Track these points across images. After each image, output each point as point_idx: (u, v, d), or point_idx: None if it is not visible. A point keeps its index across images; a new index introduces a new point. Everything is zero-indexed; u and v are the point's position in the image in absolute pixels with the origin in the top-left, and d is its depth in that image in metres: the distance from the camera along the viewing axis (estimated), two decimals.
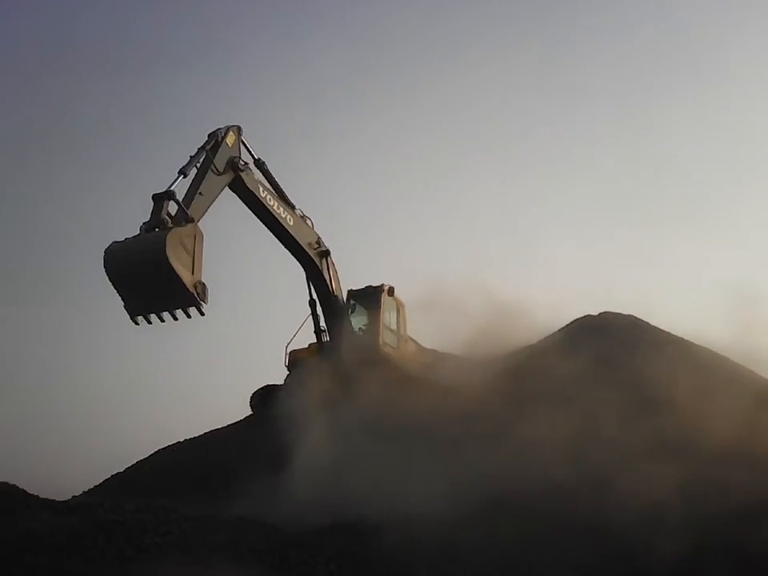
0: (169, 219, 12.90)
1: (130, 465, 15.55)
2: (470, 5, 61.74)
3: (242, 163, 15.06)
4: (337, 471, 12.97)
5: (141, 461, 15.70)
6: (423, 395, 16.53)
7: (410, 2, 62.30)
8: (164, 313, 12.59)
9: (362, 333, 20.38)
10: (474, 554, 9.46)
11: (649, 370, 16.21)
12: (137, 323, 12.60)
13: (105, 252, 12.53)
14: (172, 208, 13.11)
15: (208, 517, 10.00)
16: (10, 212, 48.87)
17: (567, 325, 23.59)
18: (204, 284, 12.68)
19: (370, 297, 20.57)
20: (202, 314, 12.55)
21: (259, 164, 16.06)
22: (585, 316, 24.06)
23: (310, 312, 19.20)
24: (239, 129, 15.41)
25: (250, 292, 47.76)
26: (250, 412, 18.57)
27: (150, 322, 12.61)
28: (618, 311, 23.35)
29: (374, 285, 20.80)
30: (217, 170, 14.27)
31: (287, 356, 19.70)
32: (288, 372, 19.78)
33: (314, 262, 18.05)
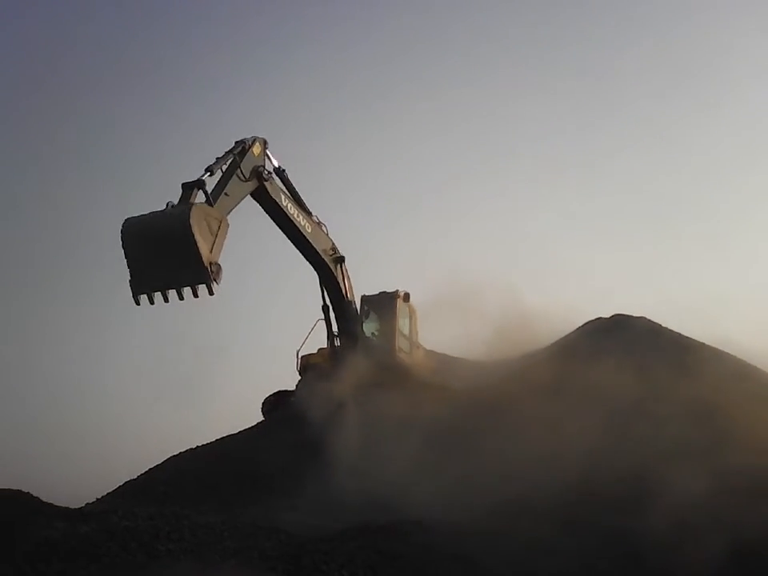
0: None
1: (142, 472, 15.50)
2: (483, 8, 61.64)
3: (267, 173, 15.49)
4: (362, 474, 12.95)
5: (153, 468, 15.65)
6: (440, 400, 16.55)
7: (420, 6, 62.30)
8: (170, 292, 12.50)
9: (375, 338, 20.52)
10: (493, 559, 9.37)
11: (662, 372, 16.13)
12: (138, 303, 12.57)
13: (123, 223, 12.64)
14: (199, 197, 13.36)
15: (220, 523, 9.96)
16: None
17: (579, 327, 23.58)
18: (219, 266, 12.69)
19: (384, 302, 20.89)
20: (211, 293, 12.52)
21: (279, 172, 16.43)
22: (597, 318, 24.05)
23: (323, 317, 19.26)
24: (265, 141, 15.87)
25: (259, 297, 47.91)
26: (261, 418, 18.57)
27: (152, 302, 12.58)
28: (631, 313, 23.33)
29: (388, 291, 20.98)
30: (243, 176, 14.65)
31: (299, 361, 19.73)
32: (300, 377, 19.81)
33: (329, 268, 18.21)
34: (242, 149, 14.93)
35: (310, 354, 20.25)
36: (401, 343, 20.54)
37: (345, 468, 13.53)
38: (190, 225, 12.24)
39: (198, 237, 12.32)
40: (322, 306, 19.23)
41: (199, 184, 13.48)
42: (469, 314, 21.96)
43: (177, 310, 13.09)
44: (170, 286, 12.50)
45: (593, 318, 23.23)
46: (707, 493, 10.61)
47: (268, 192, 15.61)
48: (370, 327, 21.12)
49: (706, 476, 10.99)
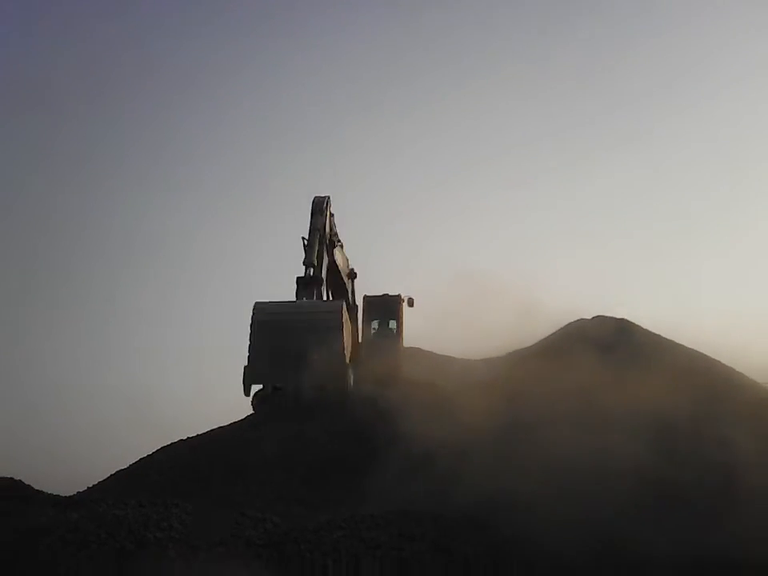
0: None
1: (133, 462, 15.38)
2: (481, 11, 61.69)
3: (337, 241, 16.59)
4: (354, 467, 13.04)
5: (144, 458, 15.51)
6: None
7: (419, 9, 62.25)
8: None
9: (375, 339, 20.65)
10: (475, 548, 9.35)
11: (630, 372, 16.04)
12: (248, 393, 12.40)
13: (255, 306, 12.63)
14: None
15: (209, 512, 9.95)
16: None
17: (561, 328, 23.61)
18: (353, 367, 12.92)
19: (387, 306, 21.13)
20: (346, 394, 12.27)
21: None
22: (578, 320, 24.09)
23: None
24: (329, 199, 16.44)
25: (250, 289, 47.70)
26: (251, 411, 18.53)
27: (266, 396, 12.30)
28: (611, 315, 23.35)
29: (391, 294, 21.18)
30: (329, 251, 15.63)
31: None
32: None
33: (345, 287, 19.01)
34: (320, 220, 15.55)
35: None
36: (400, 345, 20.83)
37: (335, 459, 13.59)
38: (342, 325, 12.50)
39: (345, 338, 12.67)
40: None
41: (317, 281, 13.88)
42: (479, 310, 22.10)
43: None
44: (300, 385, 12.38)
45: (575, 319, 23.35)
46: None
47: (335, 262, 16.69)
48: (372, 328, 21.28)
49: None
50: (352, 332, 19.97)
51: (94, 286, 48.26)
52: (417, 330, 22.90)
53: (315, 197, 16.09)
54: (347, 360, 12.20)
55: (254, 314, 12.55)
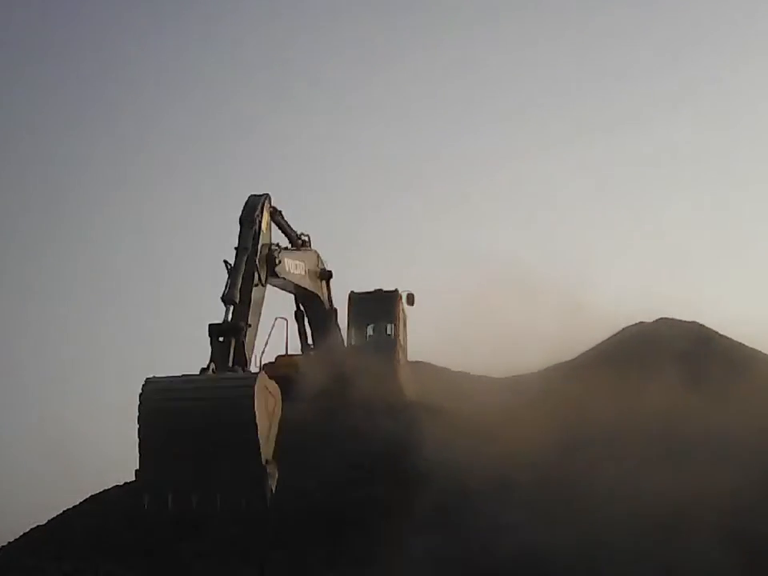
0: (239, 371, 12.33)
1: (54, 515, 15.23)
2: None
3: (277, 251, 15.40)
4: None
5: (68, 510, 15.40)
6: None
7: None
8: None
9: (364, 348, 20.61)
10: None
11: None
12: (146, 505, 11.07)
13: (145, 390, 11.28)
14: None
15: None
16: None
17: (615, 334, 23.55)
18: (275, 464, 11.43)
19: (382, 305, 21.19)
20: (265, 506, 11.06)
21: (272, 215, 16.13)
22: (637, 324, 24.02)
23: (297, 326, 19.84)
24: (269, 199, 15.54)
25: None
26: None
27: (168, 507, 10.78)
28: (678, 317, 23.31)
29: (385, 289, 21.01)
30: (262, 280, 14.54)
31: (260, 371, 19.64)
32: None
33: (312, 294, 18.91)
34: (253, 237, 14.45)
35: (272, 364, 20.18)
36: (400, 356, 20.75)
37: None
38: (254, 416, 10.99)
39: (260, 430, 11.08)
40: (295, 313, 19.73)
41: (236, 331, 12.63)
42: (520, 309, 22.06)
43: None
44: (205, 495, 10.95)
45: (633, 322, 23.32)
46: None
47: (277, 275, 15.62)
48: (359, 333, 21.19)
49: None
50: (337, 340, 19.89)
51: None
52: (423, 338, 22.80)
53: (249, 197, 15.20)
54: (266, 456, 11.27)
55: (141, 397, 11.40)
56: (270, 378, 19.43)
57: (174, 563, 12.25)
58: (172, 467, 10.92)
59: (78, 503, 15.75)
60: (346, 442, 17.30)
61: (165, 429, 11.00)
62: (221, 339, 12.62)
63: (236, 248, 14.24)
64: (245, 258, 14.04)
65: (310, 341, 20.13)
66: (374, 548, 12.62)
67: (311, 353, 20.01)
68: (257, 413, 10.95)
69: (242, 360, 12.73)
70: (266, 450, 11.27)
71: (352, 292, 21.27)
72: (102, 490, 16.24)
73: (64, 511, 15.38)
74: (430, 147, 65.34)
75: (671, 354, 19.61)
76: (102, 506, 15.09)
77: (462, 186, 60.40)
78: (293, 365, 19.73)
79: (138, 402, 11.15)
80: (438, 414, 18.83)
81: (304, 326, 19.87)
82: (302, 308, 19.60)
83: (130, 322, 51.47)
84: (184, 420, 11.02)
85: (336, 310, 20.11)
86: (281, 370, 19.89)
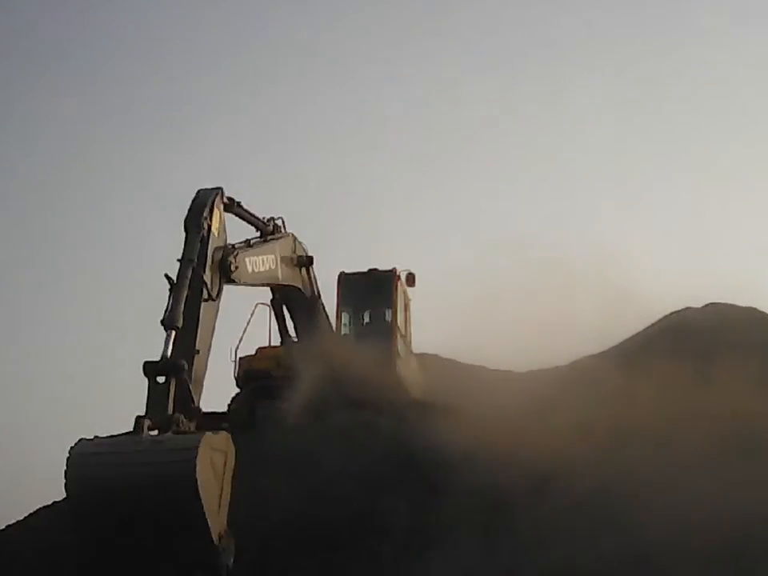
0: (181, 420, 12.09)
1: None
2: None
3: (234, 254, 14.86)
4: None
5: (13, 524, 15.90)
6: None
7: None
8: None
9: (356, 338, 20.76)
10: None
11: None
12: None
13: (71, 455, 11.25)
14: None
15: None
16: None
17: (656, 323, 23.73)
18: (229, 534, 11.59)
19: (377, 286, 21.28)
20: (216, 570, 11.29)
21: (230, 206, 15.88)
22: (684, 309, 24.20)
23: (273, 313, 19.96)
24: (221, 195, 15.00)
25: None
26: None
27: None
28: (731, 302, 23.50)
29: (381, 269, 21.10)
30: (211, 297, 14.04)
31: (237, 365, 19.88)
32: (240, 389, 20.00)
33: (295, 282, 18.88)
34: (203, 250, 13.98)
35: (251, 357, 20.42)
36: (398, 346, 20.82)
37: None
38: (198, 496, 10.95)
39: (206, 503, 11.09)
40: (271, 301, 19.86)
41: (176, 371, 12.26)
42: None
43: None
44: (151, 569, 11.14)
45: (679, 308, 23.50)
46: None
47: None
48: (351, 321, 21.33)
49: None
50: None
51: None
52: (430, 327, 23.08)
53: (198, 192, 14.74)
54: (219, 531, 11.51)
55: (68, 462, 11.20)
56: (247, 371, 20.06)
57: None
58: (116, 542, 11.12)
59: (23, 517, 16.12)
60: (335, 447, 17.55)
61: (95, 503, 11.12)
62: (159, 379, 12.35)
63: (179, 260, 13.74)
64: (189, 272, 13.56)
65: (292, 331, 20.36)
66: (371, 574, 12.94)
67: (294, 344, 20.22)
68: (202, 491, 10.93)
69: (186, 404, 12.49)
70: (218, 525, 11.40)
71: (342, 273, 21.42)
72: (52, 502, 16.43)
73: (8, 525, 15.83)
74: (438, 105, 67.03)
75: (723, 344, 19.79)
76: (54, 520, 15.37)
77: (477, 154, 61.62)
78: (274, 358, 19.99)
79: (65, 467, 11.22)
80: (450, 413, 19.12)
81: (283, 315, 20.07)
82: (278, 296, 19.74)
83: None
84: (116, 495, 11.02)
85: (320, 296, 20.17)
86: (261, 363, 20.19)
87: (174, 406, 12.17)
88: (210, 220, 14.29)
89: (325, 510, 15.16)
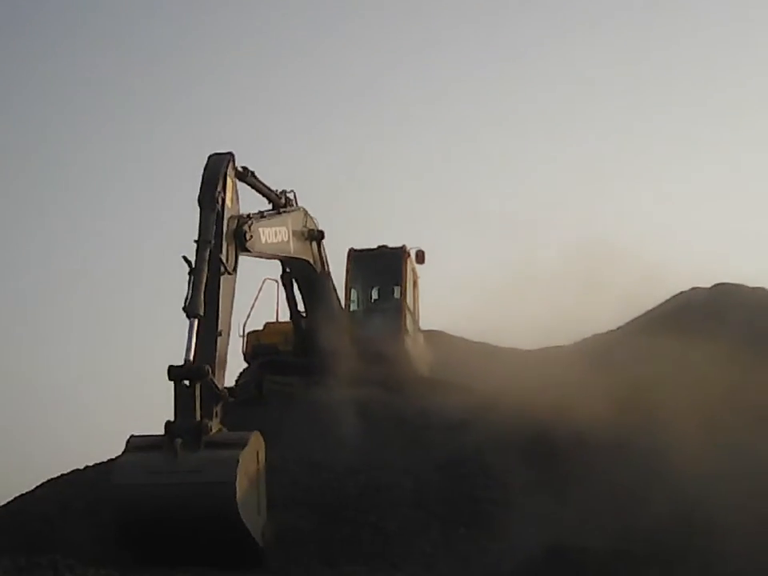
0: (209, 425, 12.50)
1: (5, 502, 15.65)
2: None
3: (249, 223, 14.77)
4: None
5: (22, 495, 15.78)
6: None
7: None
8: None
9: (365, 314, 20.90)
10: None
11: None
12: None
13: (116, 479, 12.22)
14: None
15: None
16: None
17: (663, 303, 23.72)
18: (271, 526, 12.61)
19: (386, 263, 21.31)
20: (260, 563, 12.31)
21: (243, 175, 15.93)
22: (692, 290, 24.17)
23: (285, 291, 20.00)
24: (232, 161, 14.72)
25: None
26: None
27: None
28: (740, 282, 23.45)
29: (391, 245, 21.26)
30: (228, 269, 13.98)
31: (245, 339, 20.00)
32: (248, 363, 20.13)
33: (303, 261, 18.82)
34: (219, 229, 13.85)
35: (259, 332, 20.55)
36: (407, 323, 21.00)
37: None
38: (239, 516, 11.81)
39: (248, 521, 11.97)
40: (281, 276, 19.91)
41: (200, 375, 12.57)
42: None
43: None
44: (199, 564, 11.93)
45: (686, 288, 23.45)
46: None
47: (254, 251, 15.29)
48: (360, 297, 21.50)
49: None
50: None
51: None
52: (438, 305, 23.16)
53: (209, 160, 14.41)
54: (259, 532, 12.26)
55: (113, 491, 12.26)
56: (255, 347, 20.19)
57: (149, 560, 12.55)
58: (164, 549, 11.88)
59: (32, 488, 16.14)
60: (342, 422, 17.65)
61: (140, 527, 11.91)
62: (185, 382, 12.65)
63: (196, 241, 13.61)
64: (207, 255, 13.47)
65: (301, 307, 20.41)
66: (376, 548, 13.01)
67: (302, 320, 20.36)
68: (243, 513, 11.76)
69: (211, 407, 12.86)
70: (260, 525, 12.32)
71: (351, 249, 21.57)
72: (59, 474, 16.67)
73: (17, 497, 15.77)
74: (448, 73, 67.37)
75: (731, 324, 19.81)
76: (62, 491, 15.45)
77: (488, 131, 61.90)
78: (282, 333, 20.12)
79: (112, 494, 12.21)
80: (460, 390, 19.25)
81: (292, 290, 20.07)
82: (288, 270, 19.75)
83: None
84: (160, 521, 11.73)
85: (329, 273, 20.22)
86: (269, 338, 20.36)
87: (200, 410, 12.51)
88: (224, 193, 14.14)
89: (331, 484, 15.27)
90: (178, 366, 12.58)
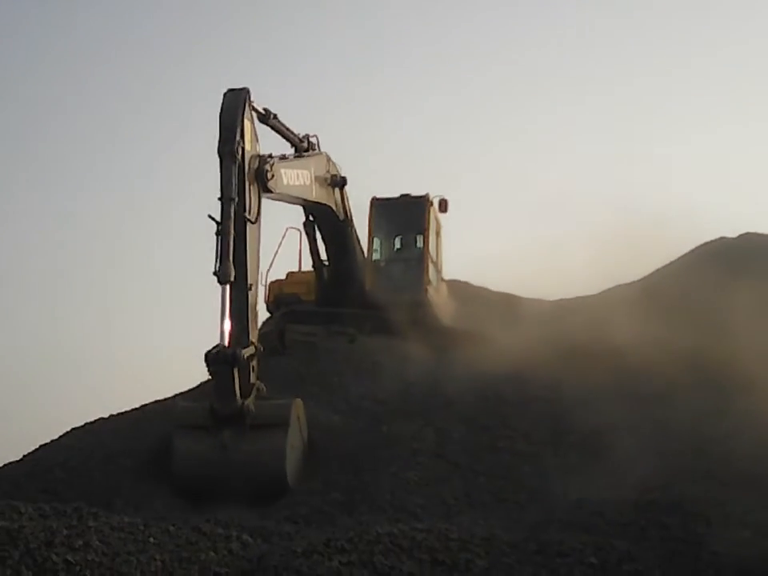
0: (251, 407, 13.39)
1: (30, 450, 15.79)
2: None
3: (270, 165, 14.69)
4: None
5: (45, 444, 15.93)
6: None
7: None
8: None
9: (388, 264, 20.92)
10: None
11: None
12: None
13: (177, 456, 13.39)
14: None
15: (143, 525, 10.16)
16: None
17: (692, 250, 23.59)
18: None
19: (409, 212, 21.17)
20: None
21: (266, 117, 15.94)
22: (718, 239, 24.02)
23: (308, 239, 20.23)
24: (248, 96, 14.43)
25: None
26: (207, 377, 18.83)
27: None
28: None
29: (414, 194, 21.22)
30: (251, 220, 14.13)
31: (267, 289, 20.07)
32: (270, 313, 20.21)
33: (326, 206, 18.86)
34: (241, 184, 13.91)
35: (281, 281, 20.61)
36: (430, 273, 21.05)
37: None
38: (287, 483, 13.35)
39: (292, 484, 13.46)
40: (304, 223, 20.03)
41: (236, 361, 13.17)
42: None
43: None
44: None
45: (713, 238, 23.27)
46: None
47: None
48: (382, 247, 21.52)
49: None
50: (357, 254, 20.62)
51: None
52: (459, 254, 23.12)
53: (224, 99, 14.15)
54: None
55: (174, 460, 13.61)
56: (278, 297, 20.32)
57: (170, 507, 12.76)
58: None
59: (56, 437, 16.32)
60: (364, 371, 17.72)
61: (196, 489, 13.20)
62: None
63: (219, 198, 13.61)
64: (232, 212, 13.48)
65: (323, 255, 20.49)
66: (395, 498, 13.10)
67: (325, 269, 20.34)
68: (290, 482, 13.39)
69: (248, 386, 13.59)
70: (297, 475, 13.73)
71: (374, 198, 21.52)
72: (83, 423, 16.87)
73: (41, 446, 15.95)
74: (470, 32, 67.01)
75: (758, 274, 19.70)
76: (84, 441, 15.62)
77: (509, 81, 61.69)
78: (305, 283, 20.17)
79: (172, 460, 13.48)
80: (483, 341, 19.29)
81: (315, 239, 20.19)
82: (311, 218, 19.78)
83: None
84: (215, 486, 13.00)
85: (352, 221, 20.36)
86: (292, 288, 20.44)
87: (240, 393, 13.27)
88: (243, 142, 14.03)
89: (351, 433, 15.45)
90: (214, 352, 13.08)
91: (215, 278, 13.27)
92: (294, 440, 13.68)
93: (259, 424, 13.28)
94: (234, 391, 13.18)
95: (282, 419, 13.50)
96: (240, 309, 13.62)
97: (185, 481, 13.25)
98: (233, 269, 13.20)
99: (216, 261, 13.25)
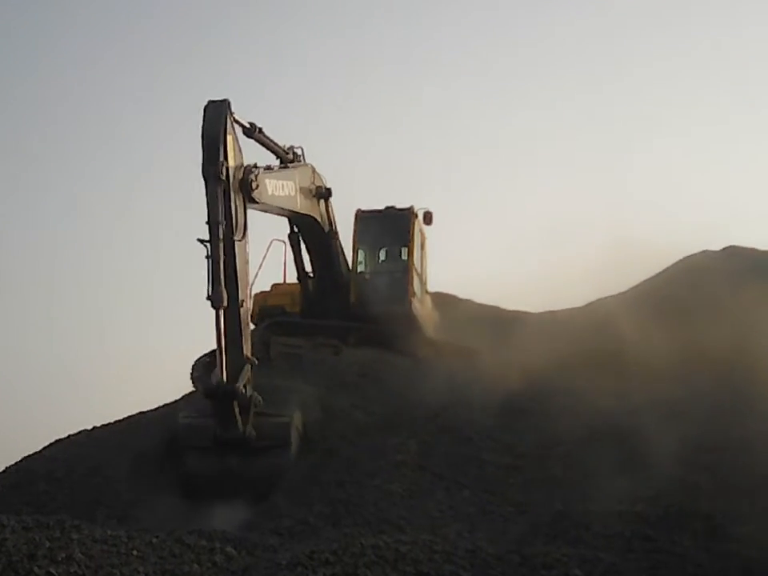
0: (252, 433, 13.84)
1: (13, 462, 15.66)
2: None
3: (254, 174, 14.59)
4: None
5: (29, 456, 15.81)
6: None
7: None
8: None
9: (372, 276, 20.91)
10: None
11: None
12: None
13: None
14: None
15: (126, 538, 10.11)
16: None
17: (671, 267, 23.66)
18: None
19: (393, 224, 21.17)
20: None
21: (251, 131, 15.81)
22: (701, 252, 24.13)
23: (292, 251, 20.03)
24: (229, 109, 14.14)
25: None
26: (190, 388, 18.78)
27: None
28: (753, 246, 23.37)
29: (398, 206, 21.23)
30: (238, 239, 14.09)
31: (252, 301, 20.01)
32: (255, 325, 20.13)
33: (311, 218, 18.82)
34: (227, 205, 13.83)
35: (266, 293, 20.58)
36: (414, 285, 21.05)
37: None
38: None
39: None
40: (289, 235, 19.88)
41: (234, 395, 13.46)
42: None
43: None
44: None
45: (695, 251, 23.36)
46: None
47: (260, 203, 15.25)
48: (367, 259, 21.51)
49: None
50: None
51: None
52: (445, 267, 23.18)
53: (206, 110, 13.88)
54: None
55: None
56: (262, 309, 20.28)
57: (154, 519, 12.68)
58: None
59: (40, 449, 16.19)
60: (349, 383, 17.66)
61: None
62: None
63: (207, 222, 13.48)
64: (220, 234, 13.38)
65: (308, 267, 20.43)
66: (391, 508, 13.08)
67: (309, 281, 20.32)
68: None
69: (248, 415, 13.81)
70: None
71: (359, 210, 21.45)
72: (67, 435, 16.75)
73: (24, 457, 15.80)
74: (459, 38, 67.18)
75: (741, 288, 19.75)
76: (67, 452, 15.53)
77: (497, 90, 61.89)
78: (290, 295, 20.14)
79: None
80: (466, 352, 19.29)
81: (300, 250, 20.09)
82: (296, 230, 19.70)
83: None
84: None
85: (337, 233, 20.24)
86: (276, 300, 20.40)
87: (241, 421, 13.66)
88: (227, 161, 13.82)
89: (339, 438, 15.52)
90: (215, 386, 13.37)
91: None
92: (296, 454, 14.57)
93: (262, 446, 13.88)
94: (236, 421, 13.54)
95: (282, 440, 14.28)
96: (234, 332, 13.73)
97: (194, 495, 13.76)
98: (225, 293, 13.20)
99: (208, 285, 13.26)
